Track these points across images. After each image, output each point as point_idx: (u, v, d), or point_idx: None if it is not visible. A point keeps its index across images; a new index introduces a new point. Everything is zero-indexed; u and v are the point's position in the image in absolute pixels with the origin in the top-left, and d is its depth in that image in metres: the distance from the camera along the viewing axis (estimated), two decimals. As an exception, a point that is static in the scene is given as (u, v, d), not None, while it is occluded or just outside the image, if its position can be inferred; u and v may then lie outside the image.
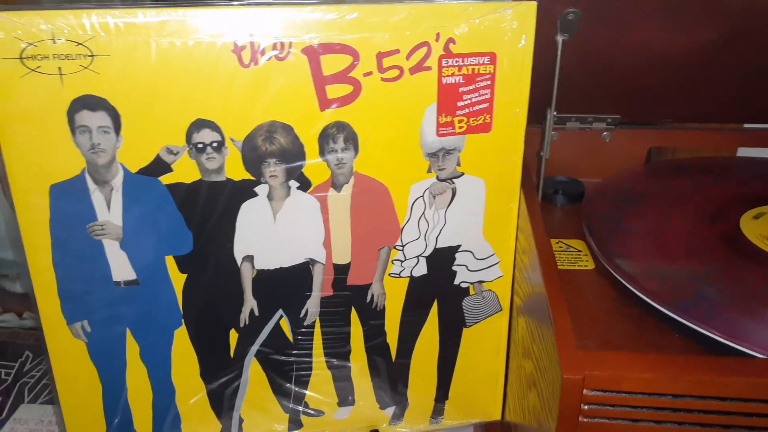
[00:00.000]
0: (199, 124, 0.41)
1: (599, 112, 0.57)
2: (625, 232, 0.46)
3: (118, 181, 0.41)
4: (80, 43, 0.38)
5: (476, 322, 0.50)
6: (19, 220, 0.40)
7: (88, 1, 0.37)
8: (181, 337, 0.46)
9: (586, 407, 0.31)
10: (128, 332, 0.45)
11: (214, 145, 0.41)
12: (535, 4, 0.42)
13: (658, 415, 0.31)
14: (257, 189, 0.43)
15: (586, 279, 0.45)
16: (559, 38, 0.45)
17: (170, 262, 0.44)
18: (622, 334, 0.40)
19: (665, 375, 0.30)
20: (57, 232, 0.41)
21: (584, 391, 0.31)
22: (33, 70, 0.38)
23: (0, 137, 0.39)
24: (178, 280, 0.44)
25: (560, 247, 0.49)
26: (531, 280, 0.42)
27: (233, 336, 0.47)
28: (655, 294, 0.39)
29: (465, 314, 0.50)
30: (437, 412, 0.53)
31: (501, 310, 0.50)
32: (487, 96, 0.44)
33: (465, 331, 0.50)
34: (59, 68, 0.38)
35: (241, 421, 0.50)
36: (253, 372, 0.48)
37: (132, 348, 0.45)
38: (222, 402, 0.48)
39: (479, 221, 0.47)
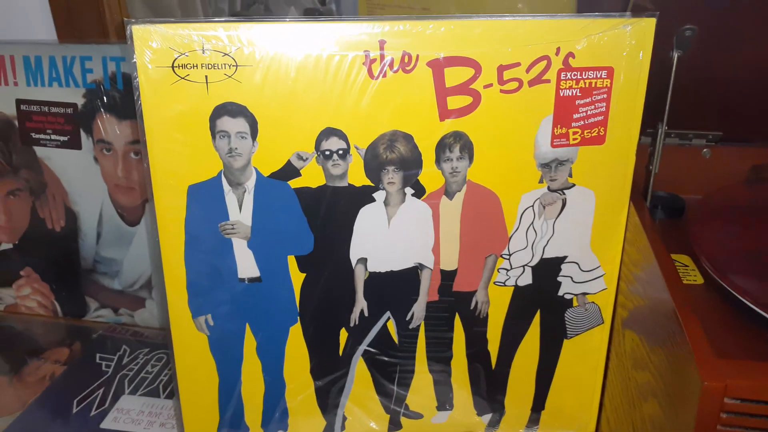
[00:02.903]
0: (328, 133, 0.43)
1: (700, 129, 0.57)
2: (739, 248, 0.46)
3: (250, 184, 0.43)
4: (226, 54, 0.41)
5: (577, 334, 0.51)
6: (158, 218, 0.43)
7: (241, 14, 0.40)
8: (295, 334, 0.48)
9: (725, 416, 0.31)
10: (247, 327, 0.47)
11: (340, 152, 0.43)
12: (654, 20, 0.43)
13: (800, 429, 0.31)
14: (375, 195, 0.45)
15: (695, 294, 0.45)
16: (675, 54, 0.46)
17: (291, 261, 0.46)
18: (740, 349, 0.40)
19: (811, 388, 0.30)
20: (191, 229, 0.44)
21: (724, 399, 0.31)
22: (182, 78, 0.41)
23: (148, 139, 0.42)
24: (297, 278, 0.46)
25: (668, 261, 0.49)
26: (646, 292, 0.42)
27: (343, 335, 0.49)
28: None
29: (567, 326, 0.50)
30: (532, 421, 0.53)
31: (602, 323, 0.50)
32: (603, 109, 0.45)
33: (566, 342, 0.51)
34: (206, 77, 0.41)
35: (344, 419, 0.51)
36: (359, 371, 0.50)
37: (249, 343, 0.47)
38: (328, 399, 0.50)
39: (587, 233, 0.48)
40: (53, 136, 0.67)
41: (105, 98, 0.65)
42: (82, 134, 0.66)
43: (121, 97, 0.64)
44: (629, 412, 0.45)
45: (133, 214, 0.68)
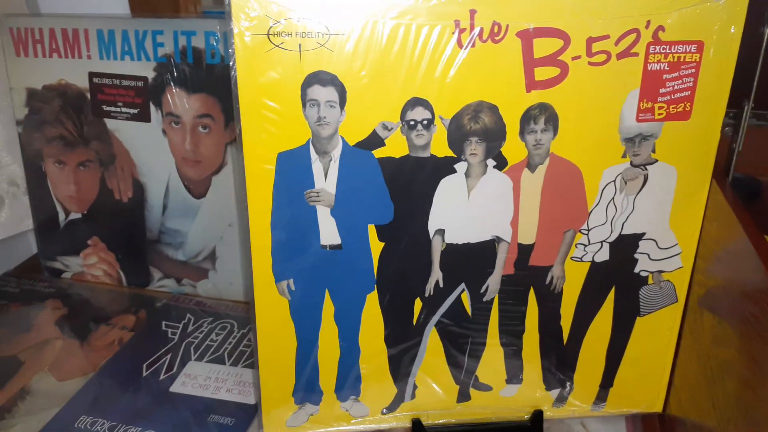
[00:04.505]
0: (414, 102, 0.43)
1: (779, 109, 0.56)
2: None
3: (336, 153, 0.44)
4: (320, 22, 0.41)
5: (650, 312, 0.50)
6: (248, 184, 0.44)
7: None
8: (371, 302, 0.49)
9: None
10: (327, 293, 0.48)
11: (425, 122, 0.44)
12: (748, -6, 0.42)
13: None
14: (456, 166, 0.45)
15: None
16: (766, 30, 0.45)
17: (371, 230, 0.47)
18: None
19: None
20: (279, 196, 0.45)
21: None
22: (277, 46, 0.41)
23: (241, 106, 0.43)
24: (376, 247, 0.47)
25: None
26: (732, 270, 0.42)
27: (418, 305, 0.49)
28: None
29: (640, 303, 0.50)
30: (600, 398, 0.54)
31: (676, 301, 0.50)
32: (690, 84, 0.44)
33: (638, 320, 0.51)
34: (299, 45, 0.41)
35: (415, 387, 0.52)
36: (432, 341, 0.50)
37: (328, 308, 0.49)
38: (400, 367, 0.51)
39: (667, 210, 0.47)
40: (123, 109, 0.69)
41: (175, 72, 0.66)
42: (152, 107, 0.68)
43: (190, 71, 0.66)
44: (708, 389, 0.45)
45: (200, 186, 0.70)
